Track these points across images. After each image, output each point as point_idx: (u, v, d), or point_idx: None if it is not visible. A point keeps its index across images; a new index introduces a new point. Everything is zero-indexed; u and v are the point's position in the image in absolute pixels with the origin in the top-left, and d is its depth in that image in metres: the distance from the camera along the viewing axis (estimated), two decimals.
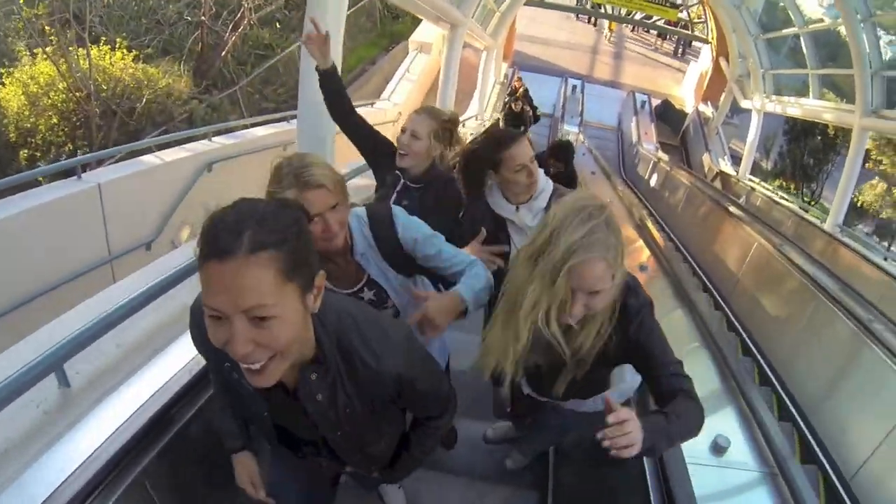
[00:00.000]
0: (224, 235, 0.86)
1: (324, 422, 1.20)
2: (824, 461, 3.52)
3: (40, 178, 5.36)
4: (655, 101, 20.31)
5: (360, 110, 2.51)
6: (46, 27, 9.70)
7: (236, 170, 5.82)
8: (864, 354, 3.65)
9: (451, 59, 8.15)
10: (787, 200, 9.90)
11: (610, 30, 26.68)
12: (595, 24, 27.42)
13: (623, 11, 18.48)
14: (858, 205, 18.03)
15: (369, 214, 1.68)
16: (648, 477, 1.85)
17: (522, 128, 9.95)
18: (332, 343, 1.10)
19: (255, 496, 1.44)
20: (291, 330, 0.93)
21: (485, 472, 2.67)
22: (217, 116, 11.13)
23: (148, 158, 5.03)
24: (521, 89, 10.37)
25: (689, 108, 19.57)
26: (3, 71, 9.47)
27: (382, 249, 1.69)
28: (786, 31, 12.01)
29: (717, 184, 12.83)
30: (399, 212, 1.70)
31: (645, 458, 1.87)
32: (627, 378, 1.75)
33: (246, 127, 6.67)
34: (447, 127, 2.33)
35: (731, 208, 6.54)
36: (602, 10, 18.87)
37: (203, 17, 12.12)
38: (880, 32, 12.25)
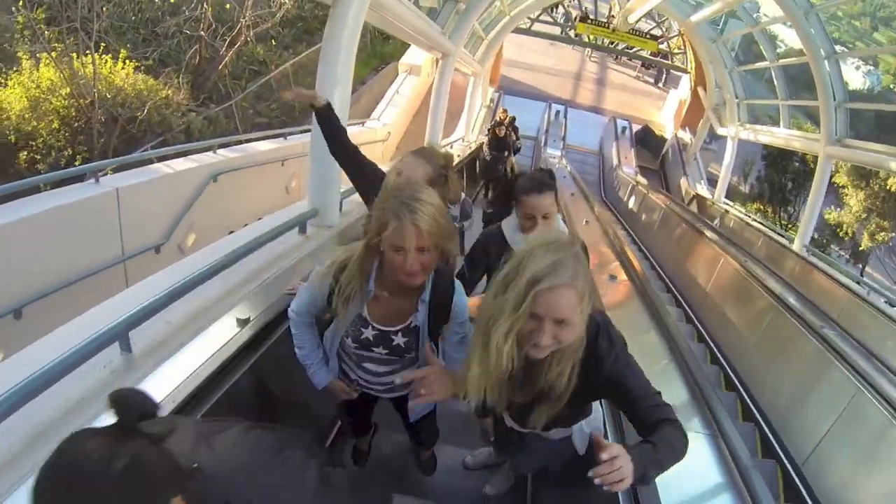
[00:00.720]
0: None
1: None
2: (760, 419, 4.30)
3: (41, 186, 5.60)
4: (636, 127, 21.07)
5: (350, 129, 2.58)
6: (47, 32, 9.97)
7: (239, 181, 6.13)
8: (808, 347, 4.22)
9: (441, 85, 8.59)
10: (757, 222, 10.46)
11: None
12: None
13: (606, 42, 19.24)
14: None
15: (437, 268, 1.72)
16: (621, 500, 1.90)
17: (506, 153, 10.33)
18: None
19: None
20: None
21: (465, 499, 2.75)
22: (213, 129, 11.44)
23: (159, 167, 5.33)
24: (507, 119, 10.74)
25: (668, 134, 20.32)
26: (6, 73, 9.62)
27: (434, 301, 1.78)
28: (758, 65, 12.71)
29: (694, 206, 13.43)
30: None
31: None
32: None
33: (250, 141, 7.00)
34: (440, 171, 2.29)
35: (699, 227, 7.05)
36: (586, 40, 19.63)
37: (202, 32, 12.45)
38: (859, 63, 13.01)
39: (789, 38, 13.05)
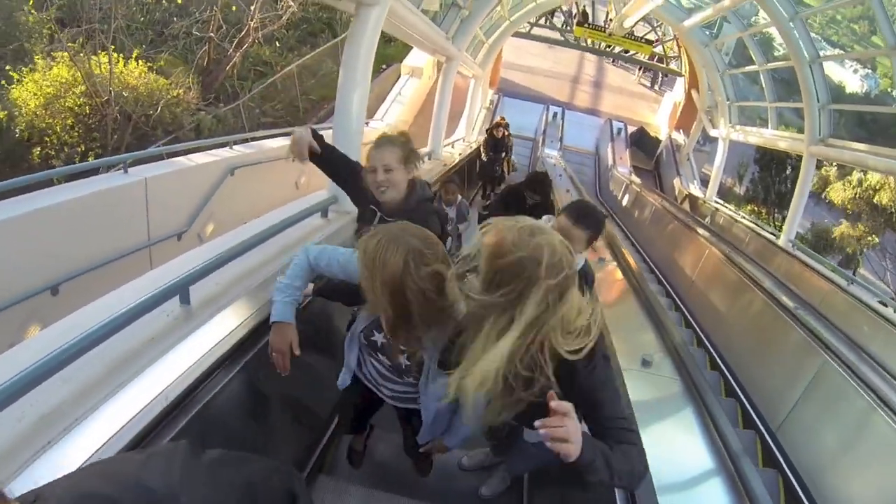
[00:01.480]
0: None
1: None
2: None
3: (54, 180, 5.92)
4: (632, 129, 21.48)
5: None
6: (60, 33, 10.31)
7: (252, 176, 6.50)
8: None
9: (445, 88, 8.92)
10: (746, 220, 10.84)
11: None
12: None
13: (602, 45, 19.64)
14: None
15: None
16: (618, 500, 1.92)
17: (503, 154, 10.72)
18: None
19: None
20: None
21: (460, 499, 2.79)
22: (222, 127, 11.82)
23: (181, 160, 5.68)
24: (504, 121, 11.09)
25: (663, 136, 20.70)
26: (20, 70, 9.91)
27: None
28: (748, 69, 13.12)
29: (686, 205, 13.83)
30: None
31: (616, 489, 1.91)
32: None
33: (264, 137, 7.36)
34: (408, 147, 2.41)
35: (689, 222, 7.44)
36: (583, 43, 20.02)
37: (211, 34, 12.82)
38: (857, 66, 13.35)
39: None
